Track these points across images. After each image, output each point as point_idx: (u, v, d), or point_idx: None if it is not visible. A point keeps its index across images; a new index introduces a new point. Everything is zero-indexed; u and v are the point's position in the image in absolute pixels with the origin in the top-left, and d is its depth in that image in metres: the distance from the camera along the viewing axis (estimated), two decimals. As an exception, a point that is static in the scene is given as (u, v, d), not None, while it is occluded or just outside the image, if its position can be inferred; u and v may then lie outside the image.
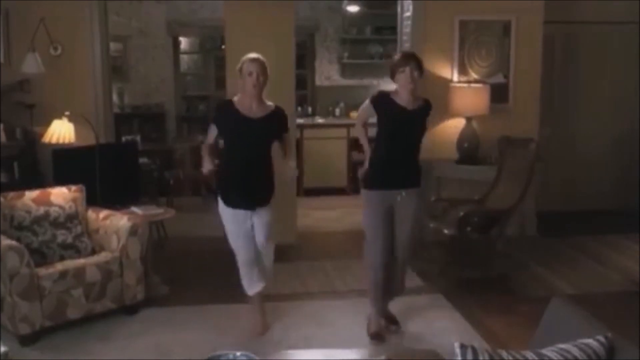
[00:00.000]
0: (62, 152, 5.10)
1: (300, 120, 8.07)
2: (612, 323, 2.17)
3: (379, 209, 4.00)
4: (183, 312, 4.45)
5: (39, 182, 5.17)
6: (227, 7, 5.93)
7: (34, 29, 5.46)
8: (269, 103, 3.99)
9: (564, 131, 7.10)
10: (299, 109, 8.56)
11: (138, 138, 7.89)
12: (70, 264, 4.19)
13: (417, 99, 4.00)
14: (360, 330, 4.16)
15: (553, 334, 2.22)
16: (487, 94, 5.93)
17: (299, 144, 7.75)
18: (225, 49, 6.19)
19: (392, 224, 4.05)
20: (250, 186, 3.95)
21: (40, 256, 4.18)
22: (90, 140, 5.11)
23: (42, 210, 4.37)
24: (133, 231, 4.37)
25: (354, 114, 8.89)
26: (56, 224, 4.38)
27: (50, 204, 4.43)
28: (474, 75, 6.18)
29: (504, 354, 1.93)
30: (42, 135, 5.23)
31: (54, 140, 5.11)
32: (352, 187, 8.05)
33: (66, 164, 5.05)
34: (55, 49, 5.66)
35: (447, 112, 5.91)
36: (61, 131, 5.10)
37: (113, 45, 7.30)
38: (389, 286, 4.16)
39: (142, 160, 6.64)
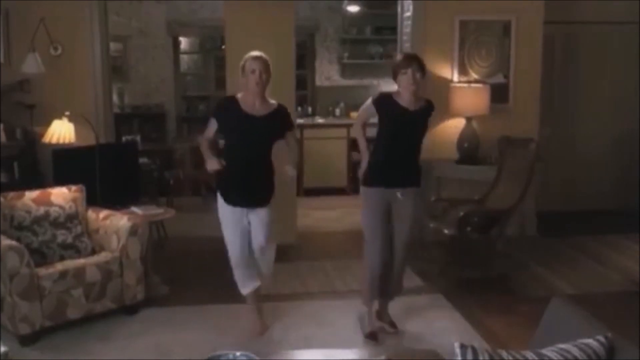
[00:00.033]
0: (62, 152, 5.10)
1: (300, 121, 8.07)
2: (612, 323, 2.17)
3: (377, 207, 4.00)
4: (183, 312, 4.45)
5: (39, 182, 5.17)
6: (227, 7, 5.93)
7: (34, 29, 5.47)
8: (272, 101, 3.97)
9: (564, 131, 7.10)
10: (299, 109, 8.56)
11: (138, 138, 7.89)
12: (70, 264, 4.19)
13: (419, 99, 4.00)
14: (360, 330, 4.17)
15: (553, 334, 2.22)
16: (487, 94, 5.93)
17: (299, 144, 7.75)
18: (225, 49, 6.19)
19: (390, 223, 4.06)
20: (250, 185, 3.93)
21: (40, 256, 4.18)
22: (90, 140, 5.11)
23: (42, 210, 4.37)
24: (133, 231, 4.37)
25: (354, 114, 8.88)
26: (56, 224, 4.38)
27: (50, 204, 4.43)
28: (474, 75, 6.18)
29: (504, 354, 1.93)
30: (42, 135, 5.23)
31: (54, 140, 5.11)
32: (352, 187, 8.05)
33: (66, 164, 5.05)
34: (55, 49, 5.66)
35: (447, 112, 5.91)
36: (61, 131, 5.10)
37: (113, 45, 7.31)
38: (386, 286, 4.17)
39: (142, 160, 6.64)
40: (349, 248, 5.89)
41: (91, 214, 4.64)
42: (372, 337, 4.03)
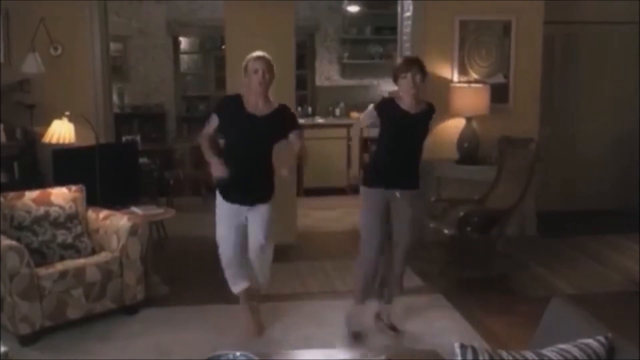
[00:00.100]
0: (62, 152, 5.10)
1: (300, 121, 8.05)
2: (612, 323, 2.17)
3: (377, 207, 4.00)
4: (183, 312, 4.45)
5: (39, 182, 5.17)
6: (227, 7, 5.93)
7: (34, 29, 5.47)
8: (275, 101, 3.95)
9: (564, 131, 7.10)
10: (299, 109, 8.56)
11: (138, 138, 7.89)
12: (70, 264, 4.19)
13: (420, 102, 4.00)
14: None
15: (553, 334, 2.22)
16: (487, 94, 5.93)
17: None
18: (225, 49, 6.19)
19: (388, 225, 4.06)
20: (249, 183, 3.92)
21: (40, 256, 4.18)
22: (90, 140, 5.12)
23: (42, 210, 4.37)
24: (133, 231, 4.37)
25: (354, 114, 8.90)
26: (56, 224, 4.38)
27: (50, 204, 4.43)
28: (474, 76, 6.18)
29: (504, 354, 1.93)
30: (42, 135, 5.23)
31: (54, 141, 5.11)
32: (352, 187, 8.05)
33: (66, 164, 5.05)
34: (55, 49, 5.66)
35: (447, 112, 5.91)
36: (61, 131, 5.11)
37: (113, 45, 7.31)
38: (385, 289, 4.17)
39: (142, 160, 6.64)
40: (349, 248, 5.87)
41: (91, 214, 4.64)
42: (356, 336, 4.02)
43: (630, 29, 6.94)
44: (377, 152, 4.09)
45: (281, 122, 3.94)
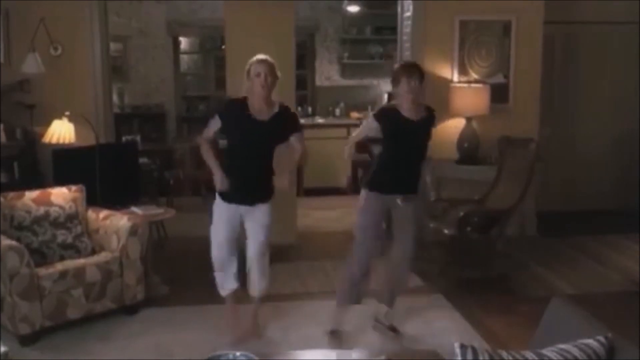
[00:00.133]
0: (62, 152, 5.10)
1: (300, 121, 8.05)
2: (612, 323, 2.17)
3: (375, 211, 4.01)
4: (183, 312, 4.45)
5: (39, 182, 5.17)
6: (227, 7, 5.93)
7: (34, 29, 5.47)
8: (277, 103, 3.93)
9: (564, 131, 7.10)
10: (299, 109, 8.56)
11: (138, 138, 7.89)
12: (70, 264, 4.19)
13: (420, 107, 3.98)
14: (360, 330, 4.17)
15: (553, 334, 2.22)
16: (487, 94, 5.93)
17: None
18: (225, 49, 6.19)
19: (389, 229, 4.07)
20: (250, 184, 3.91)
21: (40, 256, 4.18)
22: (90, 140, 5.11)
23: (42, 210, 4.37)
24: (133, 231, 4.37)
25: (354, 114, 8.91)
26: (56, 224, 4.38)
27: (50, 204, 4.43)
28: (474, 76, 6.18)
29: (504, 354, 1.93)
30: (42, 135, 5.23)
31: (54, 141, 5.11)
32: (352, 188, 8.04)
33: (66, 164, 5.05)
34: (55, 49, 5.66)
35: (447, 112, 5.91)
36: (61, 131, 5.10)
37: (113, 45, 7.31)
38: (389, 290, 4.18)
39: (142, 160, 6.64)
40: (349, 248, 5.87)
41: (91, 214, 4.64)
42: (334, 335, 4.02)
43: (630, 29, 6.94)
44: (380, 158, 4.09)
45: (283, 124, 3.93)
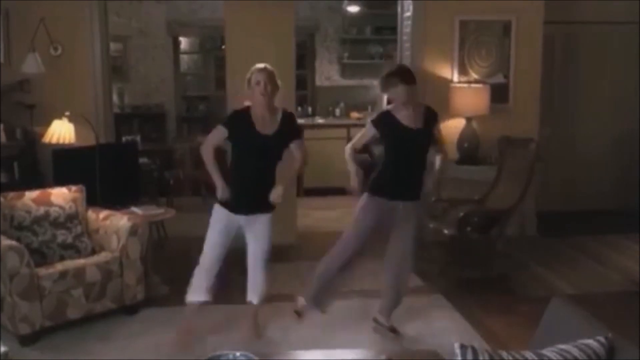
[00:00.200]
0: (62, 152, 5.10)
1: (300, 121, 8.05)
2: (612, 323, 2.17)
3: (372, 215, 4.01)
4: (183, 312, 4.44)
5: (39, 182, 5.17)
6: (227, 7, 5.93)
7: (34, 29, 5.46)
8: (279, 109, 3.92)
9: (564, 131, 7.10)
10: (299, 109, 8.56)
11: (138, 138, 7.89)
12: (70, 264, 4.19)
13: (418, 109, 3.96)
14: (360, 330, 4.17)
15: (553, 334, 2.22)
16: (487, 94, 5.93)
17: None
18: (225, 49, 6.19)
19: (389, 233, 4.08)
20: (253, 194, 3.90)
21: (40, 256, 4.18)
22: (90, 140, 5.11)
23: (42, 210, 4.36)
24: (133, 231, 4.37)
25: (354, 114, 8.91)
26: (56, 224, 4.38)
27: (50, 204, 4.43)
28: (474, 76, 6.18)
29: (504, 354, 1.93)
30: (42, 135, 5.23)
31: (54, 141, 5.11)
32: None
33: (66, 164, 5.05)
34: (55, 49, 5.66)
35: (447, 112, 5.91)
36: (61, 131, 5.10)
37: (113, 45, 7.31)
38: (389, 292, 4.18)
39: (142, 160, 6.63)
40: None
41: (91, 214, 4.64)
42: (298, 314, 4.10)
43: (630, 29, 6.94)
44: (383, 164, 4.07)
45: (288, 134, 3.92)
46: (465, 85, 6.05)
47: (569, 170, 7.13)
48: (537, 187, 6.00)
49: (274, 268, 4.26)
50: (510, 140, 5.54)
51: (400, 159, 3.98)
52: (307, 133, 8.13)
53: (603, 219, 6.75)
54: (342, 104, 9.22)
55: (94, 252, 4.44)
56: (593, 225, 6.61)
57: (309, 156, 4.17)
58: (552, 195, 6.89)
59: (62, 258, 4.27)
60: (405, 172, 3.98)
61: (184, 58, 9.56)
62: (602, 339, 1.97)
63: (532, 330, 2.43)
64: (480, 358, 1.87)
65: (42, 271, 4.00)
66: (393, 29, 7.19)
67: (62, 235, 4.36)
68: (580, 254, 5.86)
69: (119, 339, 4.05)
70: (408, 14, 6.26)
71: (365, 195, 4.07)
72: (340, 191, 8.16)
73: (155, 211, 5.09)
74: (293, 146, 3.96)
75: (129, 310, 4.39)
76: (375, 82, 9.23)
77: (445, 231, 5.09)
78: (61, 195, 4.52)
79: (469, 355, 1.88)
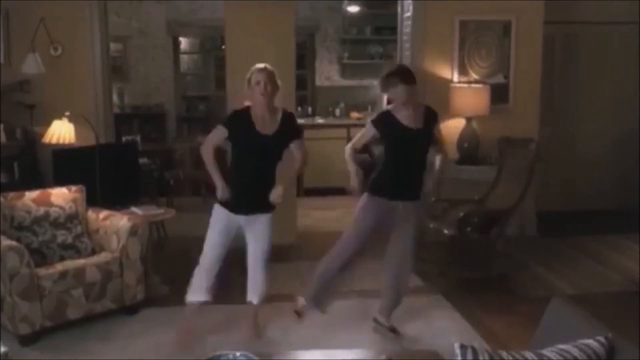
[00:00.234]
0: (62, 153, 5.10)
1: (300, 121, 8.05)
2: (612, 323, 2.17)
3: (372, 215, 4.01)
4: (183, 312, 4.44)
5: (39, 182, 5.17)
6: (227, 7, 5.93)
7: (34, 29, 5.46)
8: (279, 109, 3.92)
9: (564, 131, 7.10)
10: (299, 109, 8.56)
11: (138, 138, 7.89)
12: (70, 264, 4.19)
13: (418, 109, 3.96)
14: (360, 330, 4.17)
15: (553, 334, 2.22)
16: (487, 94, 5.93)
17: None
18: (225, 49, 6.19)
19: (389, 233, 4.08)
20: (251, 196, 3.90)
21: (40, 256, 4.18)
22: (90, 140, 5.12)
23: (42, 210, 4.36)
24: (133, 231, 4.37)
25: (354, 114, 8.91)
26: (56, 224, 4.38)
27: (50, 204, 4.43)
28: (474, 76, 6.18)
29: (504, 354, 1.93)
30: (42, 135, 5.23)
31: (54, 141, 5.11)
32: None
33: (66, 164, 5.05)
34: (55, 49, 5.66)
35: (447, 113, 5.91)
36: (61, 131, 5.11)
37: (113, 46, 7.31)
38: (389, 292, 4.18)
39: (142, 160, 6.63)
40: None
41: (91, 214, 4.64)
42: (298, 314, 4.09)
43: (630, 29, 6.94)
44: (382, 164, 4.08)
45: (288, 134, 3.93)
46: (465, 85, 6.05)
47: (569, 170, 7.13)
48: (537, 187, 6.00)
49: (274, 268, 4.26)
50: (510, 141, 5.54)
51: (400, 159, 3.98)
52: (307, 133, 8.12)
53: (603, 219, 6.75)
54: (342, 104, 9.22)
55: (94, 252, 4.45)
56: (593, 225, 6.61)
57: (309, 156, 4.17)
58: (552, 195, 6.90)
59: (62, 258, 4.27)
60: (405, 172, 3.98)
61: (184, 58, 9.56)
62: (602, 339, 1.97)
63: (532, 330, 2.43)
64: (480, 358, 1.87)
65: (42, 271, 4.00)
66: (393, 29, 7.19)
67: (62, 236, 4.36)
68: (580, 254, 5.87)
69: (119, 339, 4.05)
70: (408, 14, 6.26)
71: (365, 195, 4.07)
72: (340, 191, 8.18)
73: (155, 211, 5.09)
74: (293, 146, 3.96)
75: (129, 310, 4.39)
76: (375, 82, 9.22)
77: (445, 231, 5.08)
78: (61, 196, 4.52)
79: (469, 355, 1.88)
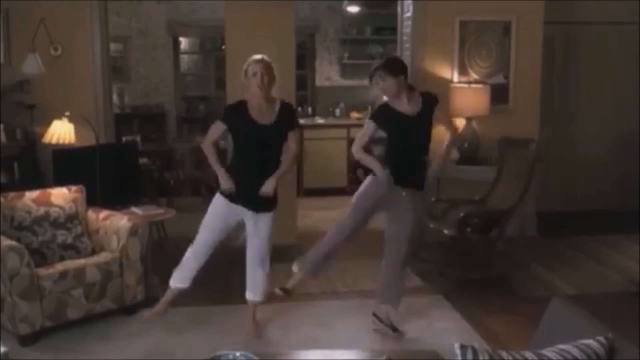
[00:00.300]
0: (62, 153, 5.10)
1: (300, 121, 8.06)
2: (612, 323, 2.17)
3: (372, 198, 4.03)
4: (183, 313, 4.45)
5: (39, 182, 5.17)
6: (227, 7, 5.93)
7: (34, 29, 5.46)
8: (277, 100, 3.92)
9: (564, 131, 7.10)
10: (299, 109, 8.56)
11: (138, 138, 7.89)
12: (70, 264, 4.19)
13: (414, 95, 3.98)
14: (360, 330, 4.17)
15: (553, 334, 2.22)
16: (487, 94, 5.93)
17: (299, 145, 7.77)
18: (225, 49, 6.19)
19: (387, 224, 4.10)
20: (255, 190, 3.90)
21: (40, 256, 4.18)
22: (90, 140, 5.12)
23: (42, 210, 4.36)
24: (133, 231, 4.37)
25: (354, 115, 8.91)
26: (56, 224, 4.38)
27: (50, 204, 4.43)
28: (474, 76, 6.18)
29: (504, 354, 1.93)
30: (42, 135, 5.23)
31: (54, 141, 5.11)
32: (352, 188, 8.03)
33: (66, 165, 5.05)
34: (56, 49, 5.66)
35: (447, 113, 5.89)
36: (61, 131, 5.11)
37: (113, 46, 7.30)
38: (387, 288, 4.18)
39: (142, 160, 6.63)
40: (348, 249, 5.86)
41: (91, 214, 4.64)
42: (283, 290, 4.06)
43: (630, 29, 6.94)
44: (385, 152, 4.11)
45: (286, 124, 3.93)
46: (466, 85, 6.05)
47: (569, 170, 7.13)
48: (537, 187, 6.00)
49: (274, 268, 4.26)
50: (510, 141, 5.54)
51: (401, 145, 4.00)
52: (307, 133, 8.26)
53: (603, 219, 6.75)
54: (342, 104, 9.22)
55: (94, 252, 4.44)
56: (593, 225, 6.61)
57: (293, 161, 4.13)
58: (552, 195, 6.90)
59: (62, 258, 4.27)
60: (407, 157, 4.00)
61: (184, 58, 9.56)
62: (602, 339, 1.97)
63: (532, 330, 2.43)
64: (480, 358, 1.87)
65: (42, 271, 4.00)
66: (393, 29, 7.18)
67: (62, 236, 4.36)
68: (580, 254, 5.87)
69: (119, 339, 4.05)
70: (408, 14, 6.26)
71: (369, 178, 4.08)
72: (340, 191, 8.23)
73: (155, 211, 5.10)
74: (288, 136, 3.96)
75: (129, 310, 4.39)
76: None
77: (445, 231, 5.08)
78: (61, 196, 4.52)
79: (469, 355, 1.88)
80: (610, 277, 5.31)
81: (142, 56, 9.14)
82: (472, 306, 4.58)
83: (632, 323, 3.98)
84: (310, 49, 9.44)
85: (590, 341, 1.96)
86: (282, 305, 4.53)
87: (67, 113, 5.12)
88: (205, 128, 4.09)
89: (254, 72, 3.79)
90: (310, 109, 9.29)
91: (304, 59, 9.28)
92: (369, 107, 8.89)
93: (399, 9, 6.55)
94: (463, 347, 1.89)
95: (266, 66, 3.80)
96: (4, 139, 5.45)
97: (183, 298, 4.71)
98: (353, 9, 9.13)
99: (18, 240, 4.09)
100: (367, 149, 4.14)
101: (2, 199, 4.27)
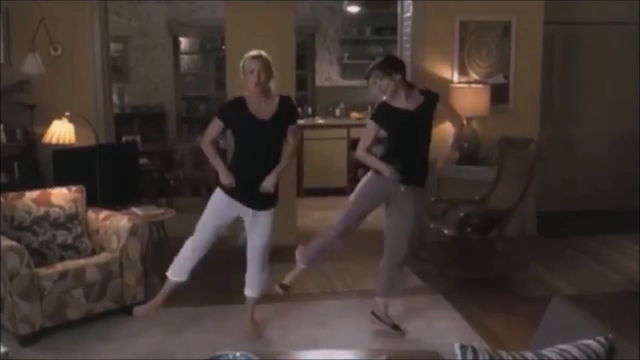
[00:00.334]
0: (62, 153, 5.10)
1: (300, 121, 8.06)
2: (612, 323, 2.17)
3: (376, 194, 4.05)
4: (183, 313, 4.45)
5: (39, 182, 5.17)
6: (227, 7, 5.93)
7: (34, 29, 5.46)
8: (276, 95, 3.91)
9: (564, 131, 7.10)
10: (299, 109, 8.55)
11: (138, 138, 7.89)
12: (70, 264, 4.19)
13: (413, 92, 3.99)
14: (360, 330, 4.17)
15: (553, 334, 2.22)
16: (487, 94, 5.93)
17: (299, 144, 7.76)
18: (225, 49, 6.19)
19: (387, 220, 4.10)
20: (255, 186, 3.90)
21: (40, 256, 4.18)
22: (90, 140, 5.12)
23: (42, 210, 4.36)
24: (133, 231, 4.37)
25: (354, 115, 8.91)
26: (56, 224, 4.38)
27: (50, 204, 4.43)
28: (474, 76, 6.18)
29: (504, 354, 1.93)
30: (42, 135, 5.23)
31: (54, 141, 5.11)
32: (352, 188, 8.03)
33: (66, 165, 5.05)
34: (56, 49, 5.66)
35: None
36: (61, 131, 5.11)
37: (113, 46, 7.31)
38: (383, 285, 4.18)
39: (142, 160, 6.63)
40: (348, 249, 5.87)
41: (91, 214, 4.64)
42: (284, 288, 4.14)
43: (630, 29, 6.94)
44: (387, 148, 4.12)
45: (285, 116, 3.92)
46: (465, 85, 6.05)
47: (569, 170, 7.13)
48: (537, 187, 6.00)
49: (274, 268, 4.27)
50: (510, 141, 5.54)
51: (403, 142, 4.00)
52: (307, 133, 8.26)
53: (603, 219, 6.75)
54: (342, 105, 9.22)
55: (94, 252, 4.44)
56: (593, 225, 6.62)
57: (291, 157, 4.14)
58: (552, 195, 6.90)
59: (62, 258, 4.27)
60: (407, 153, 3.99)
61: (184, 58, 9.56)
62: (602, 339, 1.97)
63: (532, 330, 2.43)
64: (480, 358, 1.87)
65: (42, 271, 4.00)
66: (393, 29, 7.18)
67: (62, 236, 4.36)
68: (580, 254, 5.87)
69: (119, 339, 4.05)
70: (408, 14, 6.26)
71: (369, 174, 4.09)
72: (340, 191, 8.23)
73: (155, 211, 5.10)
74: (288, 131, 3.95)
75: (129, 310, 4.38)
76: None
77: (445, 231, 5.08)
78: (61, 196, 4.52)
79: (469, 355, 1.88)
80: (610, 277, 5.31)
81: (142, 56, 9.14)
82: (472, 306, 4.58)
83: (632, 323, 3.98)
84: (310, 49, 9.45)
85: (590, 341, 1.96)
86: (282, 305, 4.54)
87: (67, 113, 5.12)
88: (205, 128, 4.08)
89: (250, 70, 3.79)
90: (310, 109, 9.29)
91: (304, 59, 9.28)
92: (369, 107, 8.89)
93: (399, 9, 6.55)
94: (463, 347, 1.89)
95: (263, 62, 3.80)
96: (4, 139, 5.45)
97: (183, 298, 4.71)
98: (353, 9, 9.13)
99: (18, 240, 4.09)
100: (368, 150, 4.14)
101: (2, 199, 4.27)
